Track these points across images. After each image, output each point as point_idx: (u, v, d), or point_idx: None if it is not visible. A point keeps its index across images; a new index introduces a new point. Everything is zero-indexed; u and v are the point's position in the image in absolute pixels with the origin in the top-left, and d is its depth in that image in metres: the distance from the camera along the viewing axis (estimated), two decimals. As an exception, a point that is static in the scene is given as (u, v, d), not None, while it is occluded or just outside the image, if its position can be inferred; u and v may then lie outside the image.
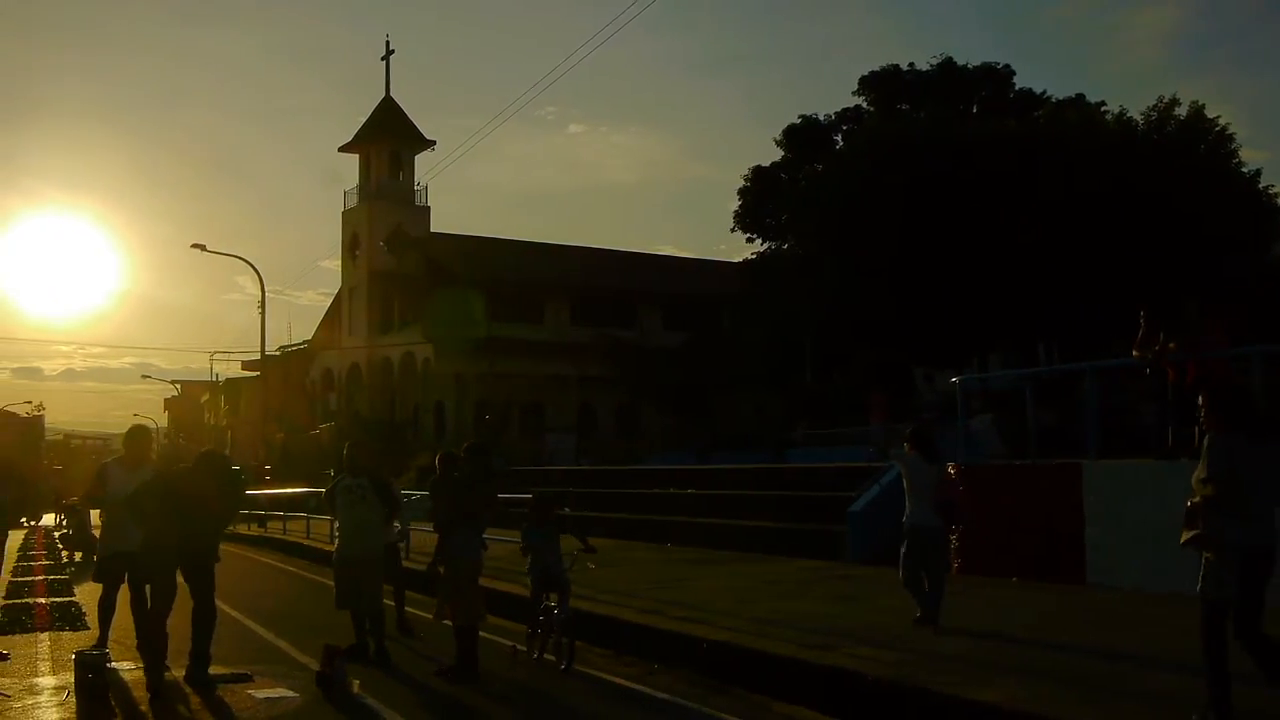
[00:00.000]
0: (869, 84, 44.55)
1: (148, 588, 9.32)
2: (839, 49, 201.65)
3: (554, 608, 9.57)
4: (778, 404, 39.92)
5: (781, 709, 8.02)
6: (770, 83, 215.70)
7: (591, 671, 9.45)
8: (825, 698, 7.98)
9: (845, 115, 44.91)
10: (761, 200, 45.07)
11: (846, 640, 9.24)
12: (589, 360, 48.40)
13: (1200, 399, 6.73)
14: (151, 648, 8.88)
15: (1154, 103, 35.34)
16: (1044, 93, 44.29)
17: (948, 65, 43.73)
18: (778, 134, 45.52)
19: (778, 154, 45.70)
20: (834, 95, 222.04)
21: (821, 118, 45.15)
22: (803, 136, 44.85)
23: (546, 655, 9.67)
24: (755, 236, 46.89)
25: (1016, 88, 44.63)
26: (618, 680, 9.06)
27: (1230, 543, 6.21)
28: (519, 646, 10.00)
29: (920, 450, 10.35)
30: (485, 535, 9.90)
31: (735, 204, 46.37)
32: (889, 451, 14.42)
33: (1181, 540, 6.43)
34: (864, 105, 44.74)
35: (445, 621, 9.78)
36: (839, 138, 44.86)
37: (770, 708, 8.11)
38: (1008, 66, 44.84)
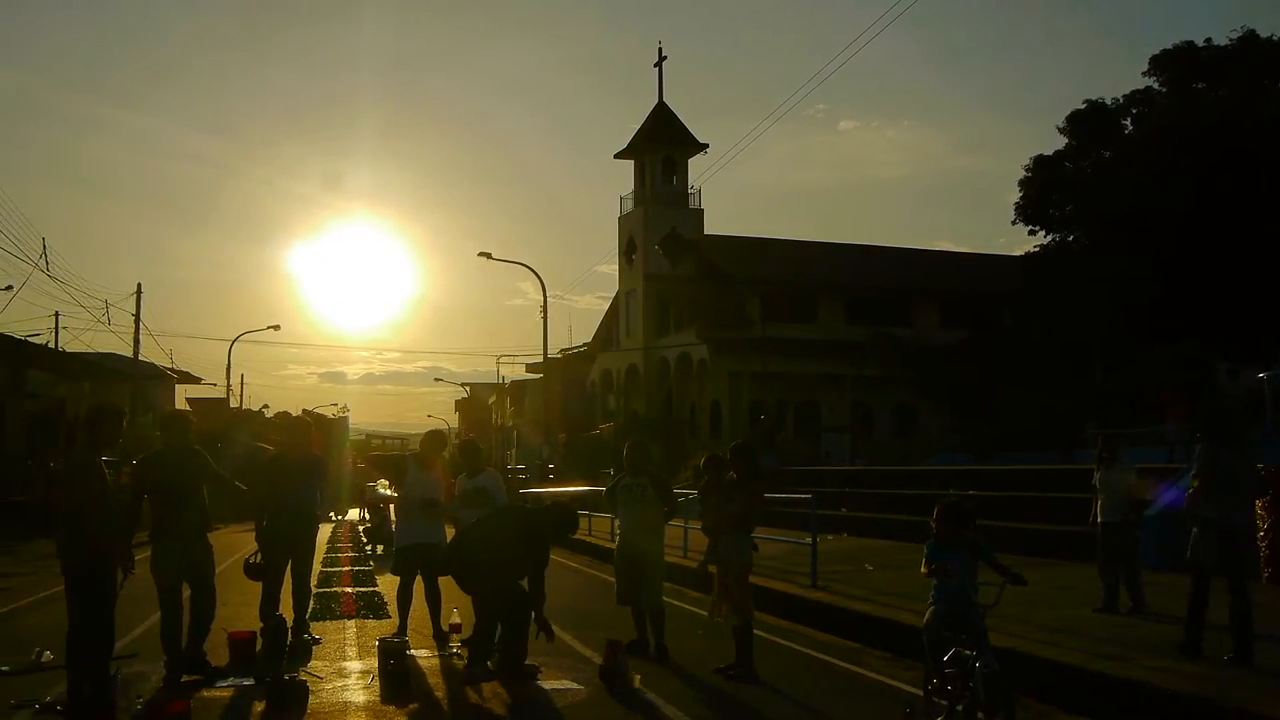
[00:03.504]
0: (1161, 63, 42.00)
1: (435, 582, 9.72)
2: (1126, 29, 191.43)
3: (970, 656, 6.74)
4: (1063, 403, 38.18)
5: (1069, 721, 7.66)
6: (1049, 68, 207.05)
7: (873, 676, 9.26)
8: (1118, 711, 7.63)
9: (1135, 98, 42.56)
10: (1044, 191, 43.31)
11: (1141, 651, 8.79)
12: (864, 359, 47.72)
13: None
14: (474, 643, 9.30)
15: None
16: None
17: (1249, 39, 40.64)
18: (1060, 121, 43.63)
19: (1061, 142, 43.88)
20: (1121, 78, 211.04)
21: (1109, 102, 42.97)
22: (1088, 122, 42.79)
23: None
24: (1038, 229, 45.12)
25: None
26: (896, 683, 8.86)
27: (1208, 521, 8.76)
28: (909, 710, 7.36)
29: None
30: (755, 535, 9.89)
31: (1016, 195, 44.78)
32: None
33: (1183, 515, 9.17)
34: (1155, 86, 42.27)
35: (719, 620, 9.83)
36: (1128, 122, 42.55)
37: (1055, 718, 7.82)
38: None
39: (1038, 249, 45.54)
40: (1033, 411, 38.84)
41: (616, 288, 60.11)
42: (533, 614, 9.09)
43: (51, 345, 42.24)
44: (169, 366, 52.21)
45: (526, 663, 9.03)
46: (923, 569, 7.18)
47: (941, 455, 36.81)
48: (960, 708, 6.65)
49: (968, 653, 6.71)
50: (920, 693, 7.34)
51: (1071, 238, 43.64)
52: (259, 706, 7.94)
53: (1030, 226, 45.13)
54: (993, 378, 42.06)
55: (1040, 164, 43.82)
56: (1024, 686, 7.96)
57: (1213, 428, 9.14)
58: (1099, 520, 11.85)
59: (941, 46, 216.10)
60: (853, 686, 9.07)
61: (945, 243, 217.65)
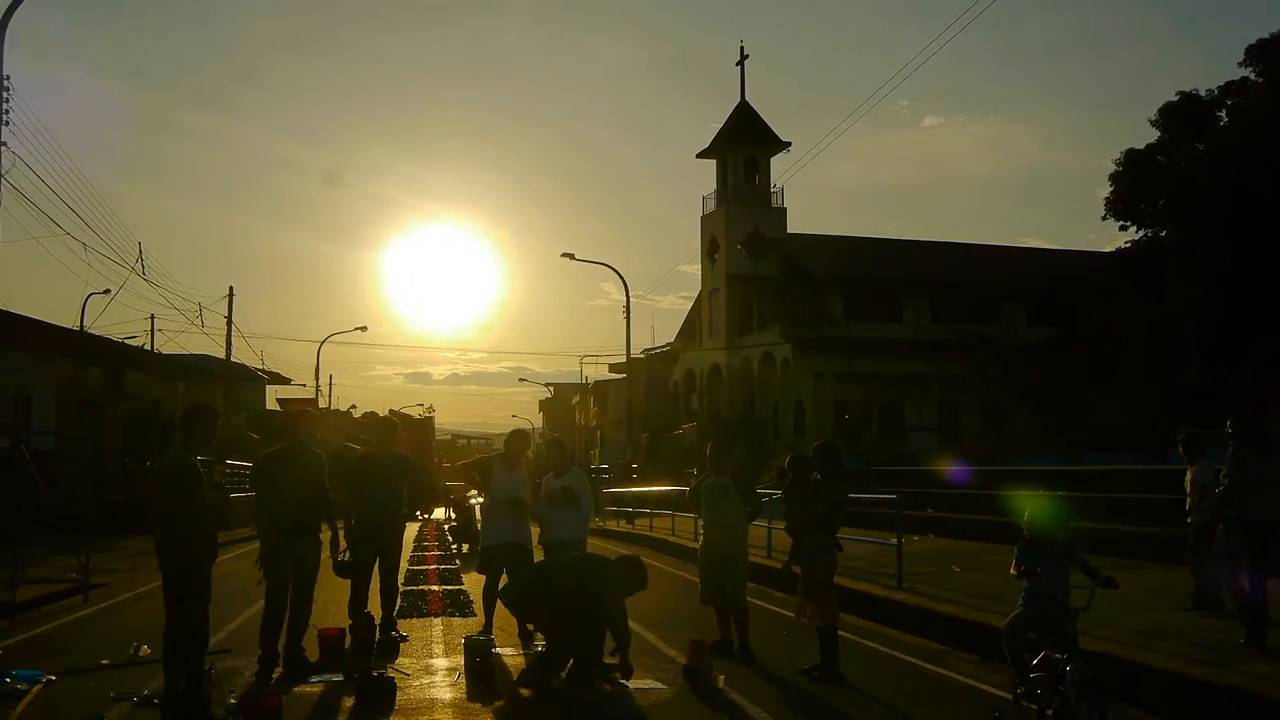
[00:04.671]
0: (1257, 53, 40.77)
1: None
2: (1219, 18, 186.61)
3: (1059, 659, 6.57)
4: (1156, 401, 37.32)
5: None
6: (1139, 61, 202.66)
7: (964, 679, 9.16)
8: (1214, 718, 7.45)
9: (1230, 89, 41.39)
10: (1136, 185, 42.34)
11: (1239, 658, 8.57)
12: (950, 358, 47.11)
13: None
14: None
15: None
16: None
17: (1352, 26, 39.31)
18: (1153, 114, 42.62)
19: (1153, 135, 42.80)
20: (1215, 69, 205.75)
21: (1203, 93, 41.85)
22: (1182, 115, 41.70)
23: None
24: (1129, 224, 44.13)
25: None
26: (984, 687, 8.73)
27: (1234, 519, 9.47)
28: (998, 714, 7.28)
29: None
30: (839, 536, 9.83)
31: (1106, 190, 43.87)
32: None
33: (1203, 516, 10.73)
34: (1252, 77, 41.04)
35: (803, 621, 9.79)
36: (1223, 114, 41.46)
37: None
38: None
39: (1129, 245, 44.57)
40: (1125, 410, 38.02)
41: (699, 287, 60.15)
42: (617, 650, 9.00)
43: (147, 347, 43.33)
44: (260, 367, 53.21)
45: (611, 662, 9.04)
46: (1012, 570, 7.08)
47: (1031, 455, 36.21)
48: (1050, 712, 6.51)
49: (1058, 656, 6.57)
50: (1009, 696, 7.23)
51: (1164, 233, 42.65)
52: (348, 702, 8.07)
53: (1121, 222, 44.17)
54: (1083, 376, 41.24)
55: (1131, 158, 42.86)
56: (1116, 691, 7.80)
57: (1243, 430, 9.67)
58: (1189, 519, 11.92)
59: (1027, 40, 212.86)
60: (939, 689, 8.97)
61: (1033, 239, 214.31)
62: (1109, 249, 48.44)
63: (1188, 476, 12.03)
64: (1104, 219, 44.51)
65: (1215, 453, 11.33)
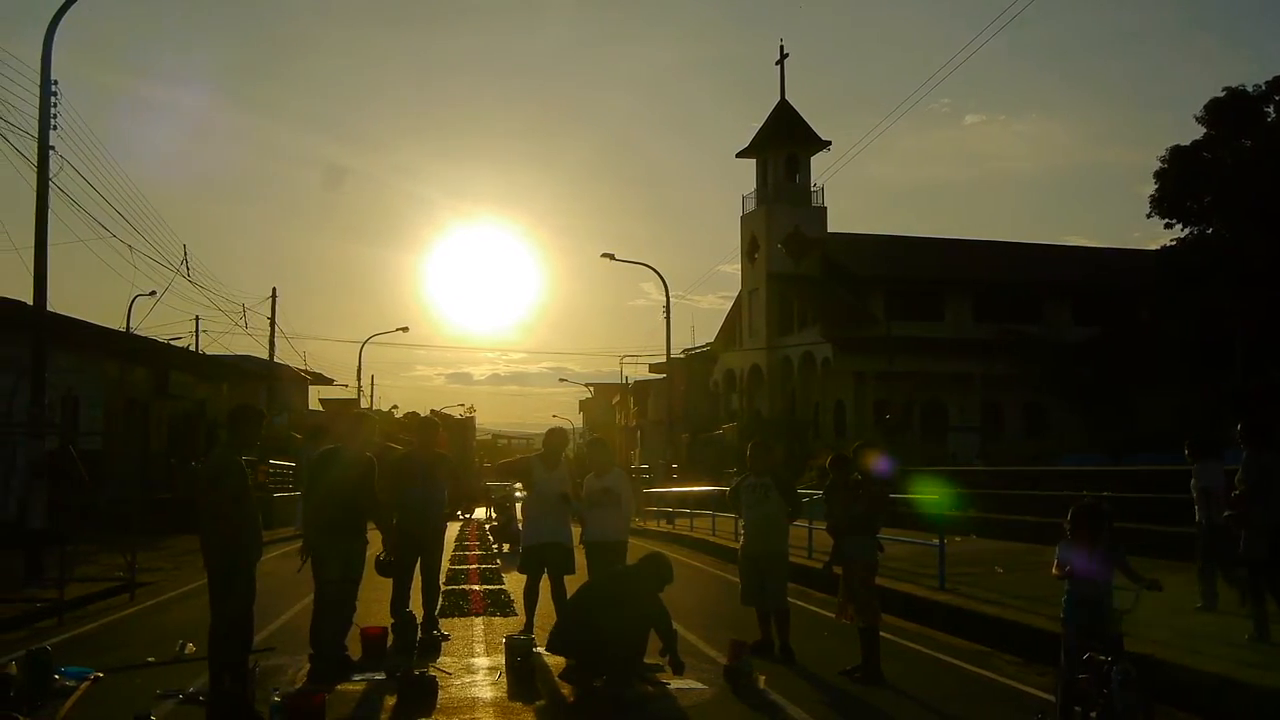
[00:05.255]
0: (1308, 47, 40.20)
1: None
2: (1267, 13, 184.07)
3: (1105, 662, 6.45)
4: (1202, 401, 36.88)
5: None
6: (1183, 57, 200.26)
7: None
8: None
9: (1278, 85, 40.80)
10: (1182, 182, 41.79)
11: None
12: (993, 357, 46.76)
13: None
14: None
15: None
16: None
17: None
18: (1198, 110, 42.06)
19: (1199, 131, 42.22)
20: (1263, 65, 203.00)
21: (1250, 89, 41.28)
22: (1228, 111, 41.10)
23: None
24: (1175, 222, 43.57)
25: None
26: (1027, 688, 8.66)
27: (1258, 522, 9.71)
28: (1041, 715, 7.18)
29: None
30: (880, 536, 9.79)
31: (1150, 188, 43.37)
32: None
33: (1223, 514, 10.68)
34: (1302, 71, 40.44)
35: (844, 621, 9.75)
36: (1270, 110, 40.87)
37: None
38: None
39: (1175, 243, 44.04)
40: (1170, 410, 37.60)
41: (739, 287, 60.02)
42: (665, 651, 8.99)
43: (192, 348, 43.80)
44: (303, 368, 53.68)
45: (651, 662, 9.04)
46: (1054, 571, 7.02)
47: (1075, 455, 35.88)
48: (1095, 715, 6.44)
49: (1103, 659, 6.49)
50: (1053, 698, 7.17)
51: (1210, 230, 42.11)
52: (390, 700, 8.12)
53: (1167, 220, 43.63)
54: (1128, 376, 40.81)
55: (1177, 154, 42.32)
56: (1162, 694, 7.71)
57: (1253, 438, 10.14)
58: (1197, 520, 12.21)
59: (1069, 37, 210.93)
60: (982, 690, 8.91)
61: (1076, 237, 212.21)
62: (1154, 247, 47.91)
63: (1192, 480, 12.29)
64: (1149, 216, 43.97)
65: (1232, 454, 11.52)
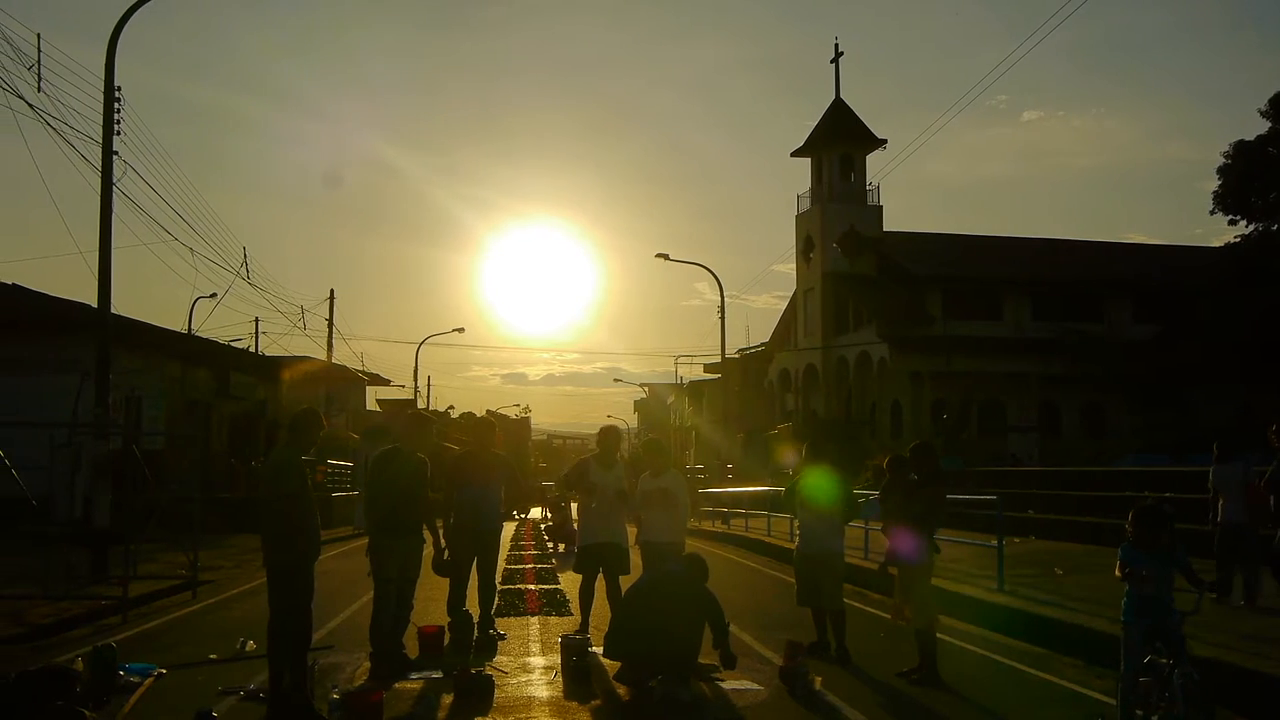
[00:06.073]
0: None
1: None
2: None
3: (1167, 663, 6.42)
4: (1267, 401, 36.19)
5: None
6: (1245, 51, 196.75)
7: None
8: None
9: (1347, 76, 40.03)
10: (1246, 178, 41.15)
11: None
12: (1052, 356, 46.19)
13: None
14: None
15: None
16: None
17: None
18: (1263, 104, 41.34)
19: (1263, 126, 41.50)
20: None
21: (1316, 82, 40.53)
22: (1295, 104, 40.44)
23: None
24: (1239, 218, 42.91)
25: None
26: (1088, 691, 8.55)
27: None
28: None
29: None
30: (937, 537, 9.70)
31: (1214, 184, 42.70)
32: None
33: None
34: (1368, 64, 39.67)
35: (900, 622, 9.68)
36: (1338, 101, 40.10)
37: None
38: None
39: (1239, 239, 43.34)
40: (1233, 410, 36.96)
41: (794, 287, 59.75)
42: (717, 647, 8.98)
43: (252, 349, 44.37)
44: (360, 369, 54.18)
45: (705, 663, 9.03)
46: (1117, 573, 6.92)
47: (1136, 455, 35.37)
48: (1156, 719, 6.36)
49: (1164, 662, 6.42)
50: (1114, 702, 7.07)
51: (1275, 227, 41.39)
52: (447, 699, 8.18)
53: (1230, 216, 42.98)
54: (1190, 375, 40.15)
55: (1241, 150, 41.66)
56: (1225, 698, 7.59)
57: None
58: (1218, 520, 12.38)
59: (1129, 32, 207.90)
60: (1042, 694, 8.81)
61: (1137, 235, 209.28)
62: (1217, 244, 47.21)
63: (1210, 480, 12.64)
64: (1212, 213, 43.41)
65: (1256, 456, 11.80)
